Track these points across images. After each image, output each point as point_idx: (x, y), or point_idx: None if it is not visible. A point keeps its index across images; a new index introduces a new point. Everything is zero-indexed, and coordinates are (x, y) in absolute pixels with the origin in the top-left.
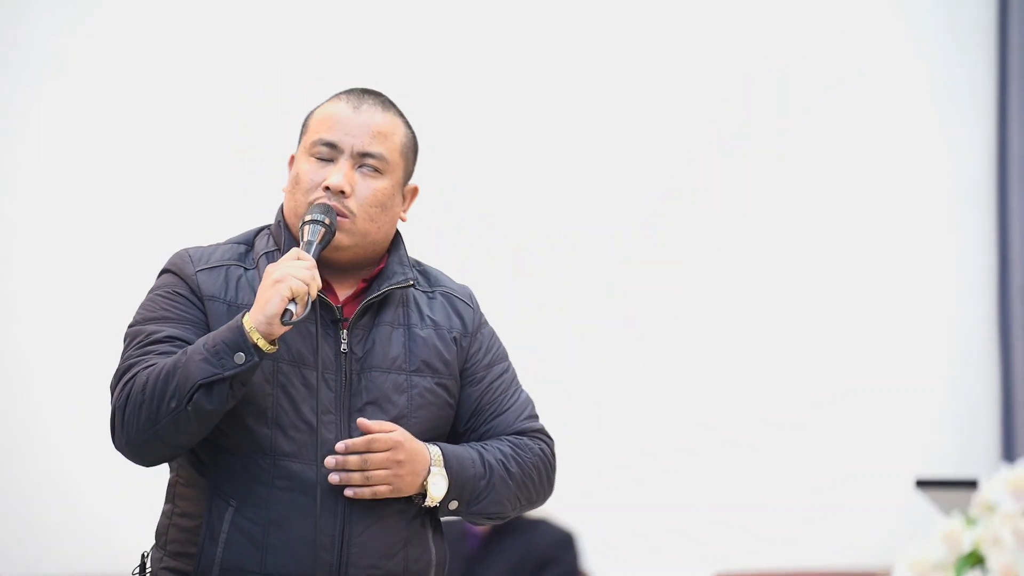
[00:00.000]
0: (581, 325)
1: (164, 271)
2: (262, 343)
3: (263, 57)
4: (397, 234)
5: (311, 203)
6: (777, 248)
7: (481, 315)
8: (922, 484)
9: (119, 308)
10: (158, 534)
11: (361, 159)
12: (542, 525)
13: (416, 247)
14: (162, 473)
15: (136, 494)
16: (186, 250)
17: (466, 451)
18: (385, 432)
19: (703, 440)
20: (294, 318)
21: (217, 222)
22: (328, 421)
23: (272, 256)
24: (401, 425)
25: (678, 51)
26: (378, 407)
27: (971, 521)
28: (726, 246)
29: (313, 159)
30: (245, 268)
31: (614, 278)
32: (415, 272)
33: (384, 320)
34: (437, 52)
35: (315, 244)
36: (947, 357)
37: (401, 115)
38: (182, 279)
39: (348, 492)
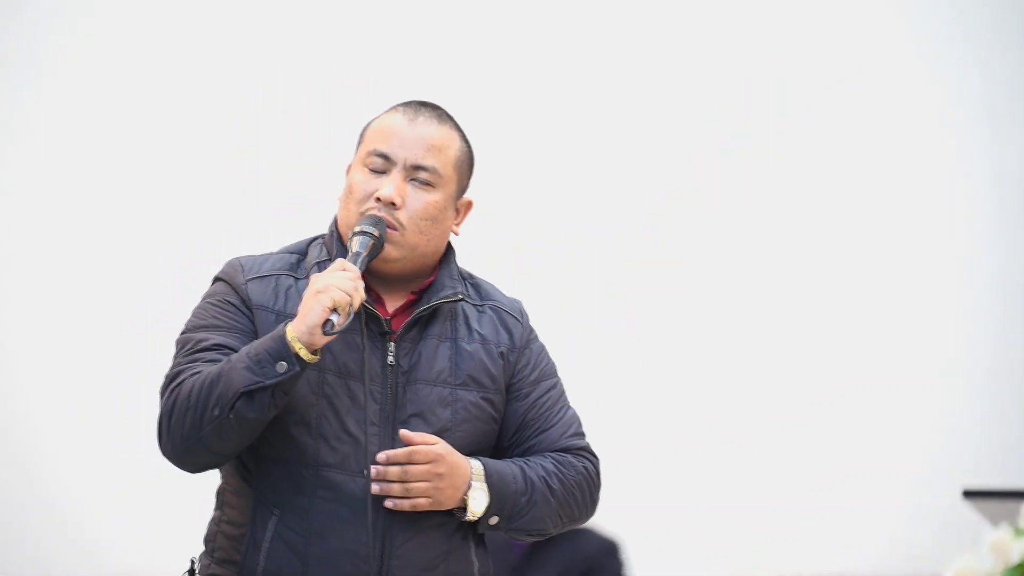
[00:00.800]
0: (581, 325)
1: (216, 279)
2: (303, 352)
3: (263, 57)
4: (449, 247)
5: (363, 214)
6: (777, 248)
7: (531, 330)
8: (969, 494)
9: (118, 308)
10: (206, 540)
11: (414, 172)
12: (587, 533)
13: None
14: (164, 476)
15: (135, 497)
16: (238, 259)
17: (508, 467)
18: (427, 444)
19: (705, 441)
20: (336, 328)
21: (217, 222)
22: (372, 433)
23: (323, 266)
24: (445, 438)
25: (678, 51)
26: (422, 419)
27: (1019, 532)
28: (726, 246)
29: (367, 170)
30: (296, 278)
31: (614, 278)
32: (465, 285)
33: (432, 333)
34: (437, 52)
35: (362, 256)
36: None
37: (457, 128)
38: (232, 288)
39: (388, 503)
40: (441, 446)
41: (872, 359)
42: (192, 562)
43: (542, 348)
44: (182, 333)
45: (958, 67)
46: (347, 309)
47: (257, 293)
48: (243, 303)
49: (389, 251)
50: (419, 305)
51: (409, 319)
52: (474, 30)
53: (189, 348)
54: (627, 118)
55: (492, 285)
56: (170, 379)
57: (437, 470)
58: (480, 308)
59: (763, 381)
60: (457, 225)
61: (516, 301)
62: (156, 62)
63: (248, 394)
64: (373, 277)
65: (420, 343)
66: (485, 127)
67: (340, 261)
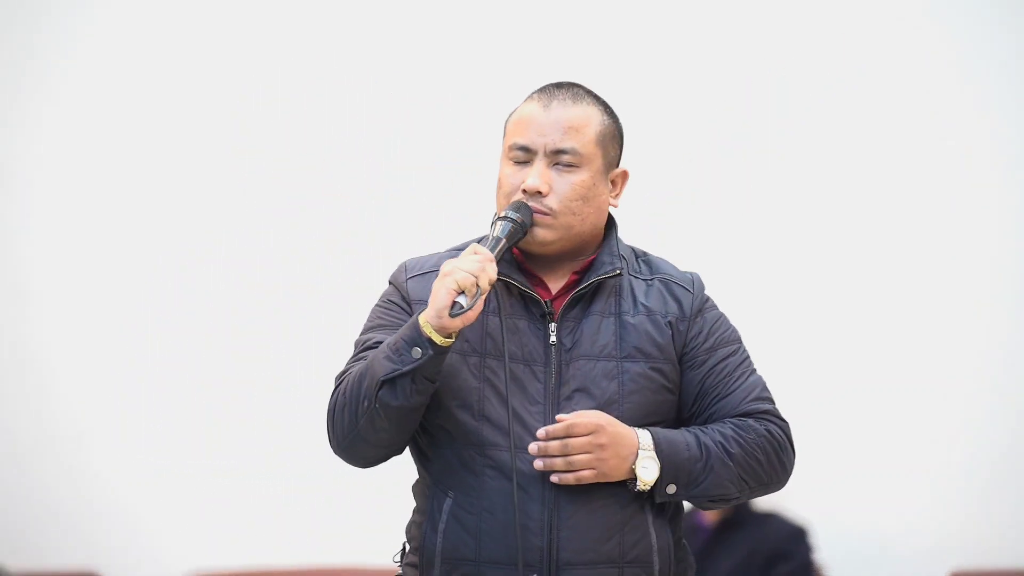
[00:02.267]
0: None
1: (388, 283)
2: (436, 337)
3: (263, 57)
4: (611, 223)
5: None
6: (777, 248)
7: (704, 299)
8: None
9: (119, 308)
10: (406, 532)
11: (555, 156)
12: (773, 519)
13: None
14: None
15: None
16: (405, 262)
17: (680, 435)
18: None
19: None
20: (463, 310)
21: (217, 222)
22: (536, 412)
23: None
24: (612, 411)
25: (678, 51)
26: (587, 394)
27: None
28: (726, 246)
29: (512, 163)
30: (431, 271)
31: None
32: (627, 260)
33: (594, 310)
34: (437, 52)
35: (501, 240)
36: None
37: (598, 103)
38: (396, 288)
39: (553, 478)
40: (601, 416)
41: (872, 360)
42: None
43: (719, 317)
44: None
45: (959, 67)
46: (473, 290)
47: (416, 289)
48: (404, 300)
49: (543, 234)
50: (580, 284)
51: (569, 298)
52: (474, 30)
53: (357, 349)
54: (627, 118)
55: (665, 260)
56: (337, 379)
57: (598, 441)
58: (649, 282)
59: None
60: (615, 197)
61: (688, 274)
62: (156, 62)
63: (389, 382)
64: (534, 261)
65: (583, 321)
66: (485, 127)
67: (473, 246)
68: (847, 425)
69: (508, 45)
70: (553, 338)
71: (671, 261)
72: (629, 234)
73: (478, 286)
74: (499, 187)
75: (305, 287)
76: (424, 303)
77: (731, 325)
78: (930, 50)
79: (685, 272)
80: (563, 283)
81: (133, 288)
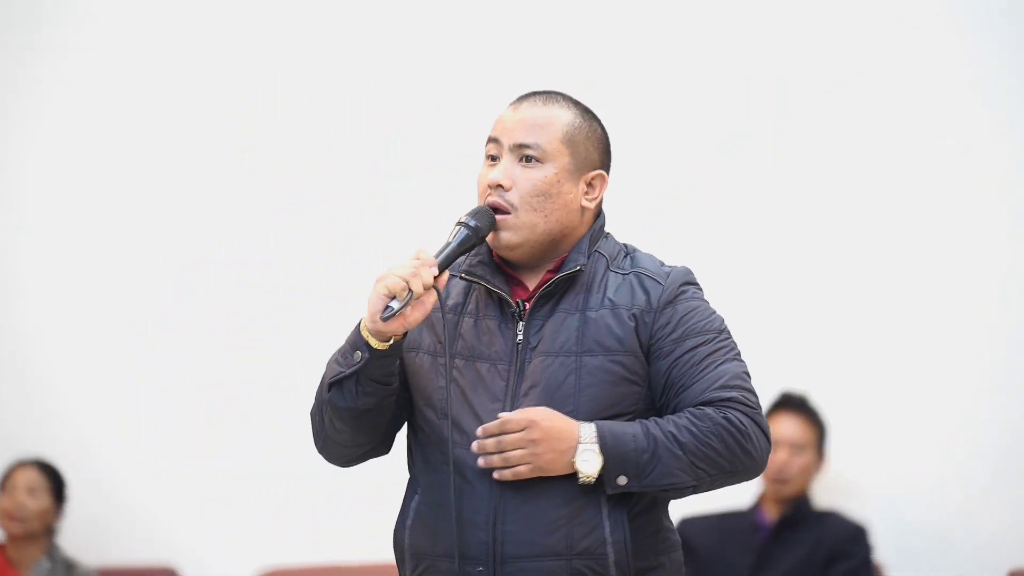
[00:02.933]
0: None
1: None
2: (372, 341)
3: (263, 57)
4: (595, 220)
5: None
6: (777, 248)
7: (679, 291)
8: None
9: (119, 310)
10: None
11: (519, 151)
12: (832, 517)
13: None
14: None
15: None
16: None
17: (628, 427)
18: (523, 417)
19: None
20: (393, 313)
21: (217, 221)
22: (495, 409)
23: (470, 263)
24: (568, 405)
25: (678, 51)
26: (541, 389)
27: None
28: (726, 246)
29: (487, 160)
30: (451, 274)
31: None
32: (607, 257)
33: (561, 308)
34: (437, 52)
35: (451, 246)
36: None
37: (575, 107)
38: None
39: (495, 475)
40: (538, 412)
41: (871, 360)
42: None
43: (694, 308)
44: None
45: (960, 66)
46: (404, 295)
47: None
48: None
49: (507, 237)
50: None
51: (536, 297)
52: (474, 30)
53: None
54: (627, 118)
55: (652, 257)
56: None
57: (531, 436)
58: (625, 276)
59: (762, 382)
60: (591, 200)
61: (671, 267)
62: (156, 62)
63: (336, 384)
64: (511, 264)
65: (550, 319)
66: (485, 127)
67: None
68: (843, 429)
69: (508, 45)
70: (520, 337)
71: (665, 259)
72: (628, 232)
73: (409, 290)
74: (477, 187)
75: (305, 287)
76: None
77: (710, 316)
78: (931, 50)
79: (668, 267)
80: (538, 282)
81: (133, 288)
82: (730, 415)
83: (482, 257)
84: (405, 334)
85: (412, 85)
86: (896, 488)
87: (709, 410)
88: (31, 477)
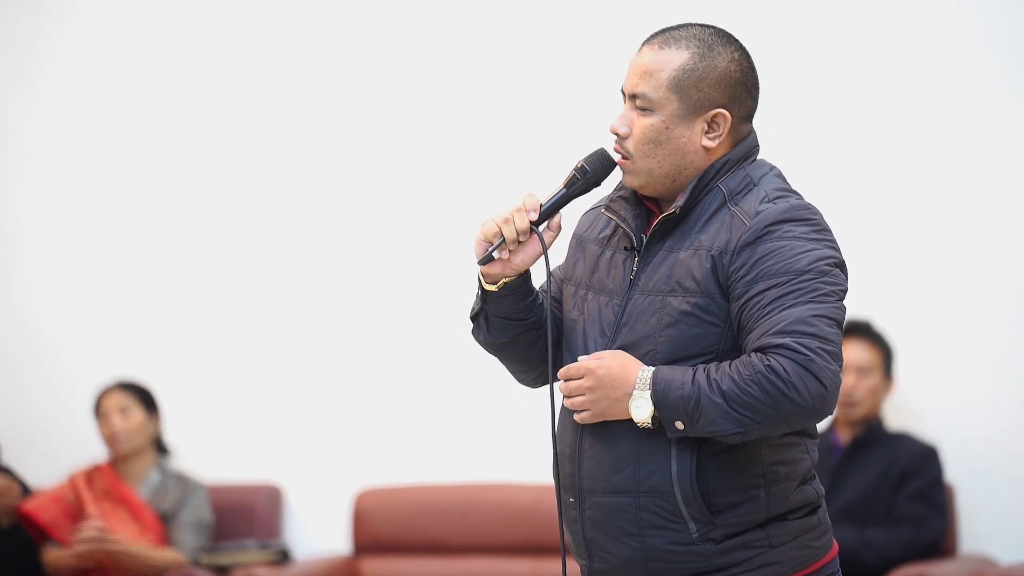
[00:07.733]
0: None
1: None
2: (483, 282)
3: (263, 57)
4: (727, 154)
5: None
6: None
7: (761, 232)
8: None
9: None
10: None
11: (634, 100)
12: (904, 439)
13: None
14: None
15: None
16: None
17: (682, 373)
18: (593, 360)
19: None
20: (488, 258)
21: (216, 221)
22: (602, 343)
23: (609, 197)
24: (648, 344)
25: None
26: (629, 327)
27: None
28: None
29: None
30: (595, 207)
31: None
32: (727, 193)
33: (665, 246)
34: (437, 51)
35: (561, 191)
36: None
37: (690, 46)
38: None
39: (575, 416)
40: (597, 359)
41: (938, 285)
42: None
43: (776, 249)
44: None
45: (960, 66)
46: (496, 240)
47: (581, 223)
48: (575, 235)
49: (629, 180)
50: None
51: (649, 236)
52: (474, 30)
53: None
54: None
55: (768, 194)
56: None
57: (587, 384)
58: (724, 213)
59: None
60: (713, 138)
61: (765, 205)
62: (156, 62)
63: (473, 319)
64: (651, 200)
65: (655, 257)
66: (484, 126)
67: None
68: (967, 352)
69: (509, 45)
70: (633, 273)
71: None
72: None
73: (502, 236)
74: None
75: (305, 287)
76: (580, 238)
77: (795, 256)
78: (931, 50)
79: (768, 204)
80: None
81: (137, 290)
82: (773, 362)
83: (623, 192)
84: (524, 274)
85: (412, 85)
86: (965, 411)
87: (755, 357)
88: (117, 399)
